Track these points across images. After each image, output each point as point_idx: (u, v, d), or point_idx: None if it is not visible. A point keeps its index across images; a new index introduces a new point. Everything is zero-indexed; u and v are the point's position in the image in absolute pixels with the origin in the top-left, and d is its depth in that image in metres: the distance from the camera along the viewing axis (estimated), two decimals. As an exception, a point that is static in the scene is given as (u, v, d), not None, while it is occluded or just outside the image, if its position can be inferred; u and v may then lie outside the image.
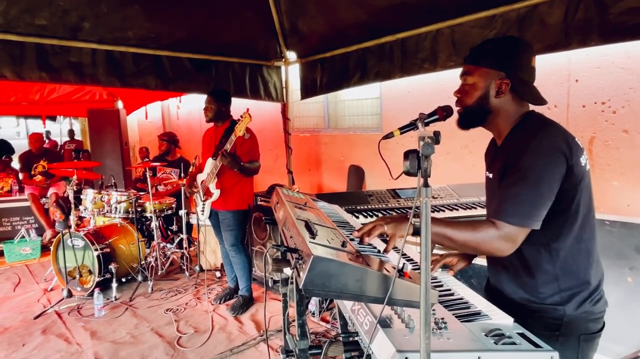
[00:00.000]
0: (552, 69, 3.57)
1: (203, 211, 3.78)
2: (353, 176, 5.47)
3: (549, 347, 1.04)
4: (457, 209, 2.95)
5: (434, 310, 1.19)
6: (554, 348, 1.04)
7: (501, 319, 1.22)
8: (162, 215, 4.72)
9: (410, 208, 2.96)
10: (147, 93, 6.90)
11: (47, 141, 11.26)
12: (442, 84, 4.32)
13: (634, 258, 2.48)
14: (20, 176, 6.40)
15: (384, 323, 1.10)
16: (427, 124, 1.34)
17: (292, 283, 1.80)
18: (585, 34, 2.55)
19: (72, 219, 4.49)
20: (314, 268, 1.03)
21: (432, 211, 2.87)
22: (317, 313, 3.50)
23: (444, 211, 2.93)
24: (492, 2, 2.91)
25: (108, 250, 4.14)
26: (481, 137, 1.66)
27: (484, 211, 1.71)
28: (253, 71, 4.50)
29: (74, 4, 3.19)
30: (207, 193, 3.68)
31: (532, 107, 1.46)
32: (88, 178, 5.23)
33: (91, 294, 3.90)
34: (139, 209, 4.47)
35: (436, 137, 1.01)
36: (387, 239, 1.37)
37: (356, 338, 1.31)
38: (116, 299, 4.04)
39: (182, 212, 4.61)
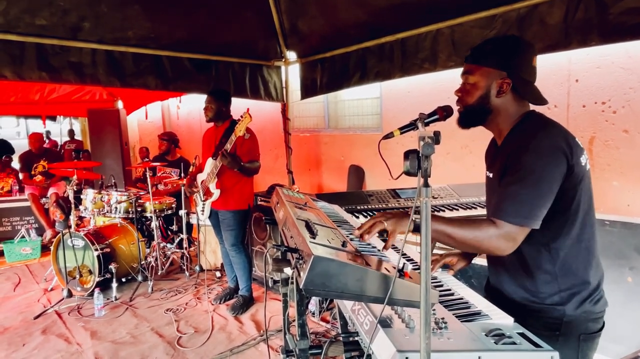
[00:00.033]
0: (552, 69, 3.57)
1: (203, 210, 3.78)
2: (353, 176, 5.47)
3: (549, 347, 1.04)
4: (457, 209, 2.95)
5: (434, 310, 1.19)
6: (554, 348, 1.04)
7: (501, 319, 1.22)
8: (162, 215, 4.72)
9: (411, 208, 2.96)
10: (147, 93, 6.90)
11: (47, 141, 11.26)
12: (442, 84, 4.32)
13: (634, 258, 2.48)
14: (21, 176, 6.40)
15: (385, 323, 1.10)
16: (427, 124, 1.34)
17: (292, 282, 1.80)
18: (585, 34, 2.55)
19: (72, 219, 4.49)
20: (314, 268, 1.03)
21: (432, 211, 2.87)
22: (317, 313, 3.50)
23: (444, 211, 2.93)
24: (492, 2, 2.91)
25: (108, 250, 4.14)
26: (481, 137, 1.66)
27: (484, 211, 1.71)
28: (253, 71, 4.50)
29: (74, 4, 3.19)
30: (207, 193, 3.68)
31: (532, 106, 1.46)
32: (88, 178, 5.23)
33: (91, 294, 3.90)
34: (139, 209, 4.47)
35: (436, 137, 1.01)
36: (387, 237, 1.37)
37: (356, 338, 1.31)
38: (116, 299, 4.04)
39: (182, 212, 4.61)
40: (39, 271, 4.94)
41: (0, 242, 5.52)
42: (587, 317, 1.37)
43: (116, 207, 4.46)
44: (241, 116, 3.25)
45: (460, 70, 1.50)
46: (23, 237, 5.43)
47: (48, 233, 5.84)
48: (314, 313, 3.52)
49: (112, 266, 4.04)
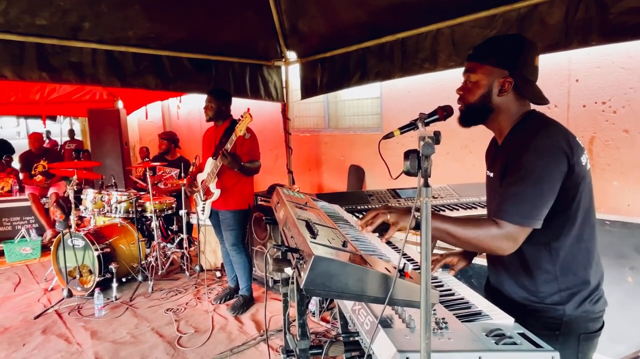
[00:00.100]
0: (552, 69, 3.57)
1: (203, 210, 3.78)
2: (353, 176, 5.47)
3: (550, 347, 1.04)
4: (457, 209, 2.95)
5: (434, 310, 1.19)
6: (554, 348, 1.04)
7: (502, 319, 1.22)
8: (162, 215, 4.72)
9: (411, 208, 2.96)
10: (147, 93, 6.90)
11: (47, 141, 11.26)
12: (442, 84, 4.32)
13: (634, 258, 2.48)
14: (21, 175, 6.40)
15: (385, 323, 1.10)
16: (427, 124, 1.34)
17: (292, 282, 1.80)
18: (585, 33, 2.55)
19: (73, 219, 4.49)
20: (315, 268, 1.03)
21: (432, 211, 2.87)
22: (318, 313, 3.50)
23: (444, 211, 2.93)
24: (493, 2, 2.91)
25: (108, 250, 4.14)
26: (481, 137, 1.66)
27: (484, 211, 1.71)
28: (253, 71, 4.50)
29: (74, 4, 3.19)
30: (208, 193, 3.68)
31: (533, 106, 1.46)
32: (88, 178, 5.23)
33: (91, 294, 3.90)
34: (139, 209, 4.47)
35: (436, 137, 1.01)
36: (386, 230, 1.37)
37: (357, 338, 1.31)
38: (116, 299, 4.04)
39: (182, 212, 4.61)
40: (39, 271, 4.94)
41: (1, 242, 5.52)
42: (587, 317, 1.38)
43: (116, 207, 4.46)
44: (241, 116, 3.25)
45: (460, 70, 1.50)
46: (23, 237, 5.43)
47: (48, 233, 5.84)
48: (314, 313, 3.52)
49: (112, 266, 4.04)
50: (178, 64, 4.00)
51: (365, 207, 2.94)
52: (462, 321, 1.17)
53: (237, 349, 3.12)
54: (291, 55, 4.63)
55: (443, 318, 1.12)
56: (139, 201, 4.47)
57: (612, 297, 1.47)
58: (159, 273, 4.52)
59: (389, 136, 1.42)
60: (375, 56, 3.83)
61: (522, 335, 1.10)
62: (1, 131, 13.53)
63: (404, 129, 1.38)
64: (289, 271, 1.29)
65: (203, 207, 3.77)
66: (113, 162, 6.95)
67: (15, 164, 6.89)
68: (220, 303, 3.89)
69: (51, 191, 6.02)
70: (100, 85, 5.88)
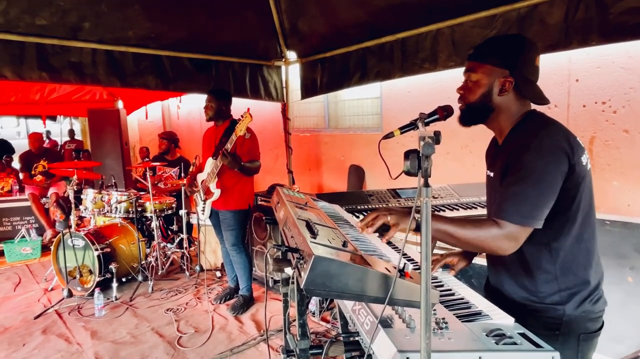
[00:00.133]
0: (552, 69, 3.57)
1: (204, 210, 3.78)
2: (353, 176, 5.47)
3: (550, 347, 1.04)
4: (457, 209, 2.95)
5: (434, 310, 1.19)
6: (554, 348, 1.04)
7: (502, 319, 1.22)
8: (163, 215, 4.72)
9: (411, 208, 2.96)
10: (147, 93, 6.91)
11: (47, 141, 11.26)
12: (442, 84, 4.32)
13: (634, 258, 2.48)
14: (21, 175, 6.41)
15: (385, 323, 1.10)
16: (427, 124, 1.34)
17: (292, 282, 1.80)
18: (585, 33, 2.55)
19: (73, 219, 4.49)
20: (315, 268, 1.03)
21: (433, 211, 2.87)
22: (318, 313, 3.50)
23: (444, 211, 2.93)
24: (493, 2, 2.91)
25: (108, 250, 4.14)
26: (481, 136, 1.66)
27: (484, 211, 1.71)
28: (253, 71, 4.50)
29: (74, 4, 3.19)
30: (208, 193, 3.68)
31: (533, 106, 1.46)
32: (88, 178, 5.23)
33: (91, 294, 3.90)
34: (139, 209, 4.47)
35: (436, 137, 1.01)
36: (386, 231, 1.37)
37: (357, 338, 1.31)
38: (116, 299, 4.04)
39: (182, 212, 4.61)
40: (39, 270, 4.94)
41: (1, 242, 5.52)
42: (586, 316, 1.38)
43: (116, 207, 4.47)
44: (242, 116, 3.25)
45: (460, 70, 1.50)
46: (23, 237, 5.43)
47: (48, 233, 5.84)
48: (314, 313, 3.52)
49: (113, 266, 4.04)
50: (178, 64, 4.00)
51: (365, 207, 2.95)
52: (462, 321, 1.17)
53: (237, 349, 3.12)
54: (291, 55, 4.63)
55: (443, 318, 1.12)
56: (139, 201, 4.47)
57: (612, 297, 1.47)
58: (159, 273, 4.52)
59: (389, 135, 1.42)
60: (375, 56, 3.83)
61: (523, 335, 1.10)
62: (1, 131, 13.53)
63: (404, 129, 1.38)
64: (289, 271, 1.29)
65: (203, 207, 3.78)
66: (113, 162, 6.95)
67: (16, 164, 6.89)
68: (220, 303, 3.89)
69: (51, 191, 6.02)
70: (100, 85, 5.88)
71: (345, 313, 1.35)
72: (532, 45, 1.43)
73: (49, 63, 3.34)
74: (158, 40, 3.79)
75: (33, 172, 6.23)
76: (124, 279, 4.32)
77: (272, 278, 2.12)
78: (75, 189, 4.44)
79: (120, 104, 7.64)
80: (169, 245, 4.83)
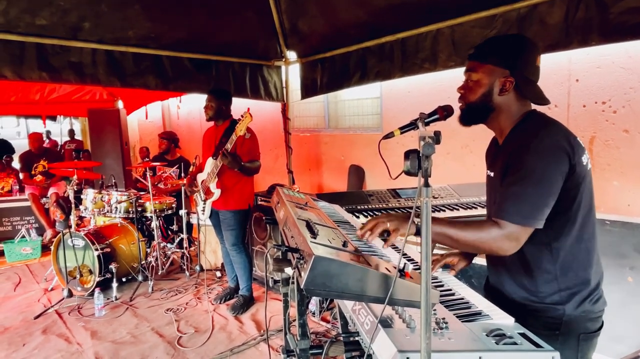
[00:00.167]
0: (552, 69, 3.56)
1: (204, 210, 3.78)
2: (353, 176, 5.47)
3: (550, 347, 1.04)
4: (457, 209, 2.95)
5: (435, 310, 1.19)
6: (554, 347, 1.04)
7: (502, 319, 1.22)
8: (163, 215, 4.72)
9: (411, 208, 2.96)
10: (147, 93, 6.90)
11: (47, 141, 11.26)
12: (442, 84, 4.32)
13: (634, 258, 2.48)
14: (21, 175, 6.41)
15: (385, 323, 1.10)
16: (427, 124, 1.34)
17: (293, 282, 1.80)
18: (585, 33, 2.55)
19: (73, 219, 4.49)
20: (315, 268, 1.03)
21: (433, 211, 2.87)
22: (318, 313, 3.50)
23: (444, 210, 2.93)
24: (493, 2, 2.91)
25: (108, 250, 4.14)
26: (482, 136, 1.66)
27: (484, 211, 1.71)
28: (253, 71, 4.50)
29: (74, 4, 3.19)
30: (208, 193, 3.68)
31: (534, 106, 1.46)
32: (88, 178, 5.23)
33: (91, 294, 3.90)
34: (139, 209, 4.47)
35: (437, 137, 1.01)
36: (387, 237, 1.38)
37: (357, 338, 1.31)
38: (116, 299, 4.04)
39: (182, 212, 4.61)
40: (39, 270, 4.94)
41: (1, 242, 5.52)
42: (586, 316, 1.38)
43: (116, 207, 4.47)
44: (242, 116, 3.26)
45: (460, 70, 1.50)
46: (23, 237, 5.43)
47: (48, 233, 5.84)
48: (314, 313, 3.52)
49: (113, 266, 4.04)
50: (178, 64, 4.00)
51: (365, 207, 2.95)
52: (462, 321, 1.17)
53: (237, 349, 3.12)
54: (291, 55, 4.63)
55: (443, 318, 1.12)
56: (139, 201, 4.47)
57: (612, 297, 1.47)
58: (159, 273, 4.53)
59: (389, 135, 1.42)
60: (375, 56, 3.83)
61: (523, 335, 1.10)
62: (1, 131, 13.53)
63: (404, 129, 1.38)
64: (289, 271, 1.29)
65: (203, 207, 3.78)
66: (113, 162, 6.95)
67: (16, 164, 6.89)
68: (220, 303, 3.89)
69: (51, 191, 6.02)
70: (100, 85, 5.89)
71: (345, 313, 1.35)
72: (532, 46, 1.43)
73: (49, 63, 3.34)
74: (158, 40, 3.79)
75: (33, 172, 6.23)
76: (124, 279, 4.32)
77: (272, 277, 2.12)
78: (75, 189, 4.44)
79: (120, 104, 7.64)
80: (169, 245, 4.83)
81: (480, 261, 1.95)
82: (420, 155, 0.98)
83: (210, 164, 3.64)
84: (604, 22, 2.46)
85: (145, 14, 3.53)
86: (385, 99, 5.15)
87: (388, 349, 1.00)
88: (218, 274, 4.59)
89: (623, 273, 2.50)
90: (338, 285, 1.05)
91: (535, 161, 1.29)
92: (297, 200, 1.86)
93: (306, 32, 4.23)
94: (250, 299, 3.85)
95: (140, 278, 4.28)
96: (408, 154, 1.00)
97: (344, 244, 1.27)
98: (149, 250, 4.70)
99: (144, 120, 9.58)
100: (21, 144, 8.89)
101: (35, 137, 6.43)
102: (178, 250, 4.79)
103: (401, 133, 1.39)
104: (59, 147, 10.55)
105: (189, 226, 4.79)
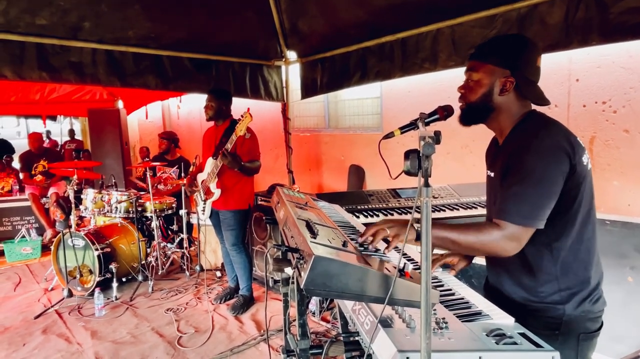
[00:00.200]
0: (552, 69, 3.56)
1: (204, 210, 3.78)
2: (353, 176, 5.47)
3: (550, 347, 1.04)
4: (457, 209, 2.95)
5: (435, 310, 1.19)
6: (554, 347, 1.04)
7: (502, 319, 1.22)
8: (163, 215, 4.72)
9: (411, 208, 2.96)
10: (147, 93, 6.91)
11: (47, 141, 11.26)
12: (442, 84, 4.32)
13: (635, 258, 2.48)
14: (21, 175, 6.41)
15: (385, 323, 1.10)
16: (427, 124, 1.34)
17: (293, 282, 1.80)
18: (585, 33, 2.55)
19: (73, 218, 4.49)
20: (315, 268, 1.03)
21: (433, 211, 2.87)
22: (318, 313, 3.50)
23: (444, 210, 2.93)
24: (493, 2, 2.91)
25: (108, 250, 4.14)
26: (482, 136, 1.66)
27: (484, 211, 1.71)
28: (253, 71, 4.50)
29: (74, 4, 3.19)
30: (208, 193, 3.68)
31: (533, 106, 1.46)
32: (88, 178, 5.23)
33: (92, 294, 3.90)
34: (139, 208, 4.47)
35: (437, 137, 1.01)
36: (388, 243, 1.38)
37: (357, 338, 1.31)
38: (117, 299, 4.04)
39: (182, 211, 4.61)
40: (40, 270, 4.94)
41: (1, 242, 5.52)
42: (586, 316, 1.38)
43: (116, 207, 4.47)
44: (242, 116, 3.26)
45: (460, 69, 1.50)
46: (23, 237, 5.43)
47: (48, 233, 5.84)
48: (314, 313, 3.52)
49: (113, 266, 4.04)
50: (178, 64, 4.00)
51: (365, 207, 2.95)
52: (462, 321, 1.17)
53: (238, 349, 3.12)
54: (291, 55, 4.63)
55: (443, 318, 1.12)
56: (139, 200, 4.47)
57: (612, 297, 1.47)
58: (159, 273, 4.52)
59: (389, 135, 1.42)
60: (375, 56, 3.83)
61: (523, 335, 1.10)
62: (1, 131, 13.52)
63: (404, 128, 1.38)
64: (289, 271, 1.29)
65: (203, 207, 3.78)
66: (113, 162, 6.96)
67: (16, 164, 6.90)
68: (220, 303, 3.89)
69: (51, 190, 6.02)
70: (100, 85, 5.89)
71: (345, 313, 1.35)
72: (533, 46, 1.43)
73: (49, 63, 3.34)
74: (158, 40, 3.79)
75: (33, 172, 6.23)
76: (124, 279, 4.32)
77: (272, 277, 2.12)
78: (76, 189, 4.44)
79: (120, 104, 7.65)
80: (169, 245, 4.83)
81: (480, 261, 1.95)
82: (421, 155, 0.98)
83: (210, 164, 3.64)
84: (604, 22, 2.46)
85: (145, 14, 3.53)
86: (385, 98, 5.15)
87: (388, 349, 1.00)
88: (218, 274, 4.59)
89: (623, 273, 2.50)
90: (338, 285, 1.05)
91: (536, 161, 1.29)
92: (297, 200, 1.86)
93: (306, 32, 4.23)
94: (251, 299, 3.85)
95: (140, 277, 4.28)
96: (408, 154, 1.00)
97: (344, 244, 1.27)
98: (149, 250, 4.70)
99: (144, 120, 9.58)
100: (21, 144, 8.89)
101: (34, 137, 6.42)
102: (178, 250, 4.79)
103: (401, 133, 1.39)
104: (59, 147, 10.55)
105: (189, 226, 4.79)
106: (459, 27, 3.17)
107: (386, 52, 3.72)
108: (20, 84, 6.44)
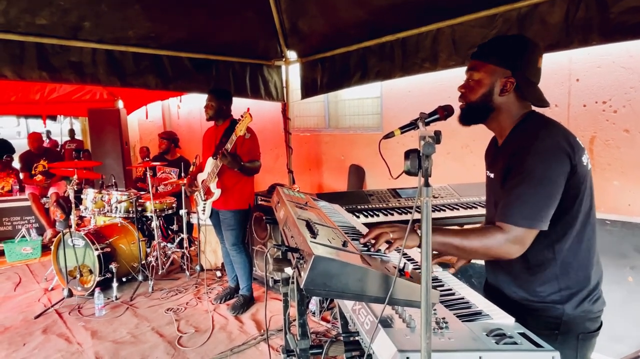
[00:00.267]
0: (553, 69, 3.56)
1: (204, 210, 3.78)
2: (353, 176, 5.47)
3: (550, 347, 1.04)
4: (457, 209, 2.95)
5: (435, 310, 1.19)
6: (553, 347, 1.04)
7: (502, 319, 1.22)
8: (163, 215, 4.72)
9: (411, 207, 2.96)
10: (147, 93, 6.91)
11: (47, 141, 11.26)
12: (442, 84, 4.32)
13: (635, 258, 2.48)
14: (21, 175, 6.40)
15: (385, 323, 1.10)
16: (427, 124, 1.34)
17: (293, 282, 1.80)
18: (586, 33, 2.55)
19: (73, 218, 4.49)
20: (315, 268, 1.03)
21: (433, 211, 2.87)
22: (318, 313, 3.50)
23: (444, 210, 2.93)
24: (493, 2, 2.90)
25: (108, 250, 4.14)
26: (482, 136, 1.66)
27: (484, 211, 1.71)
28: (253, 71, 4.50)
29: (74, 4, 3.19)
30: (208, 193, 3.68)
31: (533, 107, 1.46)
32: (88, 178, 5.23)
33: (92, 294, 3.90)
34: (139, 208, 4.47)
35: (437, 137, 1.01)
36: (389, 246, 1.38)
37: (357, 338, 1.31)
38: (117, 299, 4.04)
39: (182, 211, 4.61)
40: (40, 270, 4.94)
41: (1, 242, 5.52)
42: (585, 316, 1.38)
43: (116, 207, 4.47)
44: (242, 116, 3.26)
45: (460, 69, 1.50)
46: (23, 236, 5.43)
47: (48, 233, 5.84)
48: (314, 313, 3.52)
49: (113, 266, 4.04)
50: (178, 64, 4.00)
51: (366, 207, 2.94)
52: (462, 321, 1.17)
53: (238, 349, 3.12)
54: (291, 54, 4.63)
55: (443, 318, 1.12)
56: (139, 200, 4.47)
57: (612, 297, 1.47)
58: (159, 273, 4.53)
59: (390, 135, 1.41)
60: (375, 56, 3.83)
61: (523, 335, 1.10)
62: (1, 131, 13.50)
63: (404, 128, 1.38)
64: (289, 270, 1.29)
65: (203, 207, 3.77)
66: (113, 162, 6.96)
67: (16, 163, 6.90)
68: (220, 303, 3.89)
69: (51, 190, 6.02)
70: (101, 85, 5.88)
71: (346, 313, 1.35)
72: (535, 47, 1.43)
73: (49, 63, 3.34)
74: (158, 40, 3.79)
75: (33, 172, 6.23)
76: (124, 279, 4.32)
77: (272, 277, 2.12)
78: (76, 188, 4.44)
79: (120, 104, 7.65)
80: (169, 245, 4.83)
81: (480, 260, 1.95)
82: (421, 155, 0.98)
83: (210, 164, 3.64)
84: (605, 21, 2.46)
85: (145, 14, 3.53)
86: (385, 98, 5.14)
87: (388, 349, 1.00)
88: (218, 274, 4.59)
89: (623, 273, 2.50)
90: (338, 285, 1.05)
91: (536, 162, 1.29)
92: (297, 200, 1.86)
93: (306, 32, 4.23)
94: (251, 299, 3.85)
95: (140, 277, 4.28)
96: (408, 154, 1.00)
97: (344, 244, 1.27)
98: (149, 250, 4.70)
99: (144, 120, 9.58)
100: (21, 144, 8.87)
101: (34, 137, 6.42)
102: (178, 250, 4.79)
103: (401, 133, 1.38)
104: (59, 147, 10.56)
105: (189, 225, 4.79)
106: (459, 26, 3.16)
107: (386, 52, 3.72)
108: (20, 84, 6.44)
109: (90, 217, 4.71)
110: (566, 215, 1.34)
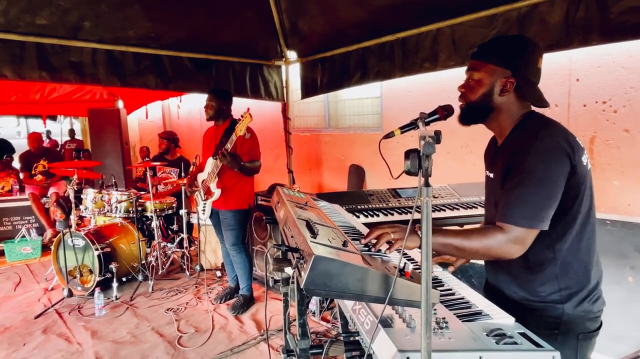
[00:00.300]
0: (552, 68, 3.56)
1: (204, 210, 3.78)
2: (353, 176, 5.47)
3: (551, 347, 1.04)
4: (457, 209, 2.95)
5: (435, 310, 1.19)
6: (553, 347, 1.04)
7: (502, 319, 1.22)
8: (163, 214, 4.72)
9: (411, 207, 2.96)
10: (147, 92, 6.91)
11: (47, 141, 11.26)
12: (442, 84, 4.32)
13: (635, 258, 2.48)
14: (21, 175, 6.41)
15: (385, 323, 1.10)
16: (427, 124, 1.34)
17: (293, 282, 1.80)
18: (586, 33, 2.55)
19: (73, 218, 4.49)
20: (315, 268, 1.03)
21: (433, 211, 2.87)
22: (318, 313, 3.50)
23: (444, 210, 2.93)
24: (493, 1, 2.90)
25: (108, 249, 4.14)
26: (482, 136, 1.66)
27: (484, 211, 1.71)
28: (253, 71, 4.50)
29: (74, 4, 3.19)
30: (208, 192, 3.68)
31: (533, 107, 1.46)
32: (88, 178, 5.23)
33: (92, 294, 3.90)
34: (139, 208, 4.47)
35: (437, 137, 1.01)
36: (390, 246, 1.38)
37: (357, 338, 1.31)
38: (117, 299, 4.04)
39: (182, 211, 4.61)
40: (40, 270, 4.94)
41: (1, 242, 5.52)
42: (585, 316, 1.38)
43: (116, 207, 4.47)
44: (242, 116, 3.26)
45: (460, 69, 1.50)
46: (23, 236, 5.43)
47: (48, 233, 5.84)
48: (314, 313, 3.51)
49: (113, 266, 4.04)
50: (178, 64, 4.00)
51: (366, 206, 2.94)
52: (462, 321, 1.17)
53: (238, 349, 3.12)
54: (291, 54, 4.63)
55: (444, 318, 1.12)
56: (139, 200, 4.47)
57: (612, 297, 1.47)
58: (159, 273, 4.53)
59: (390, 135, 1.41)
60: (375, 56, 3.83)
61: (523, 335, 1.10)
62: (1, 131, 13.51)
63: (404, 128, 1.38)
64: (289, 270, 1.29)
65: (204, 207, 3.77)
66: (113, 161, 6.96)
67: (16, 163, 6.90)
68: (220, 303, 3.89)
69: (51, 190, 6.02)
70: (101, 85, 5.89)
71: (346, 313, 1.35)
72: (535, 47, 1.42)
73: (49, 63, 3.34)
74: (158, 40, 3.79)
75: (33, 172, 6.23)
76: (124, 279, 4.32)
77: (272, 277, 2.12)
78: (76, 188, 4.44)
79: (120, 104, 7.65)
80: (169, 245, 4.83)
81: (480, 260, 1.95)
82: (421, 154, 0.98)
83: (210, 164, 3.64)
84: (605, 21, 2.46)
85: (145, 14, 3.53)
86: (385, 98, 5.14)
87: (388, 349, 1.00)
88: (218, 273, 4.59)
89: (623, 273, 2.50)
90: (338, 285, 1.05)
91: (536, 163, 1.29)
92: (297, 200, 1.86)
93: (306, 32, 4.23)
94: (251, 299, 3.85)
95: (140, 277, 4.28)
96: (408, 154, 1.00)
97: (344, 244, 1.27)
98: (149, 250, 4.70)
99: (144, 120, 9.58)
100: (21, 144, 8.86)
101: (34, 137, 6.42)
102: (178, 250, 4.79)
103: (401, 133, 1.38)
104: (59, 147, 10.56)
105: (189, 225, 4.79)
106: (459, 26, 3.16)
107: (386, 52, 3.72)
108: (20, 83, 6.44)
109: (90, 217, 4.71)
110: (566, 215, 1.34)
